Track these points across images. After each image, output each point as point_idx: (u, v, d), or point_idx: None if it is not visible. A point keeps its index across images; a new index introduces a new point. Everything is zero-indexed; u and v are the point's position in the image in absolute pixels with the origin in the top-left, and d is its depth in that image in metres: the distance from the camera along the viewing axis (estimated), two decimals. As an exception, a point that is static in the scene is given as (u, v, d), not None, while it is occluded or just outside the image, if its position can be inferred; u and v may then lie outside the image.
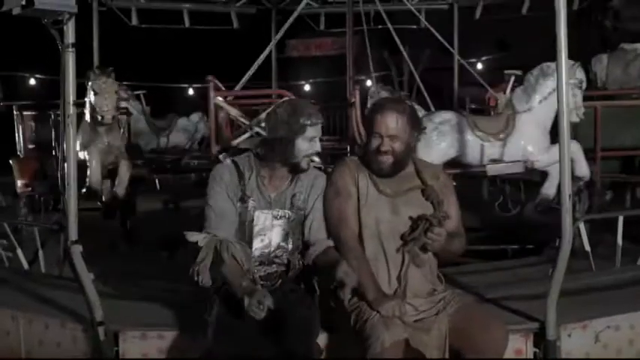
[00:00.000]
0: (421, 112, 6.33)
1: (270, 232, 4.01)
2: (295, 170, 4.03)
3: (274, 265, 4.02)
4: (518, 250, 6.71)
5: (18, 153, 9.13)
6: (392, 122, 3.90)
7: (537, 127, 6.56)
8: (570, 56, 4.10)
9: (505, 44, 21.24)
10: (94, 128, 6.95)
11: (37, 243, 5.96)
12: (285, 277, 4.03)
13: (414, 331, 3.65)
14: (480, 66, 14.90)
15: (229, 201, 3.96)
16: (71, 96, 4.11)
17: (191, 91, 17.79)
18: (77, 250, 4.15)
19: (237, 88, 7.63)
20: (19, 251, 5.97)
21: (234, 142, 6.58)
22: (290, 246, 4.04)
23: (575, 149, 6.10)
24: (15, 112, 9.18)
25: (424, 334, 3.67)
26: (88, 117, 6.91)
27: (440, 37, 8.90)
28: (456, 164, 6.64)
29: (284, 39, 12.23)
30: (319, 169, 4.35)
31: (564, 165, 4.07)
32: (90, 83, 6.63)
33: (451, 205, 4.00)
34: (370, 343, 3.53)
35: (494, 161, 6.61)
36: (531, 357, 4.26)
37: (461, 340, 3.70)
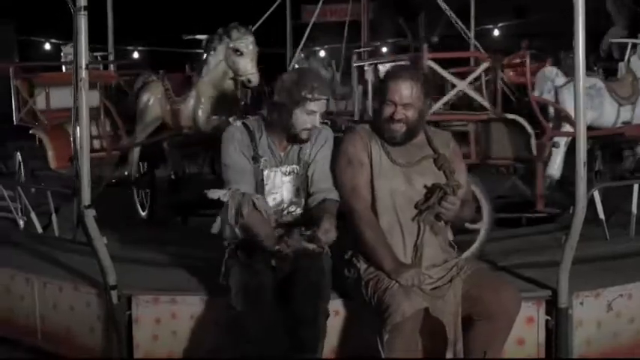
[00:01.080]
0: (563, 79, 6.29)
1: (280, 189, 4.04)
2: (294, 140, 4.03)
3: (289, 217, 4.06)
4: (532, 217, 6.68)
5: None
6: (406, 90, 3.84)
7: None
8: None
9: (522, 11, 21.06)
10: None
11: (50, 207, 5.99)
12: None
13: (432, 300, 3.65)
14: (496, 32, 14.78)
15: (245, 158, 3.99)
16: (84, 60, 4.09)
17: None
18: (90, 215, 4.15)
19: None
20: (33, 215, 6.01)
21: None
22: (302, 200, 4.09)
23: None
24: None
25: (440, 301, 3.68)
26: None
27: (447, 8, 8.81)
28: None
29: (299, 4, 12.16)
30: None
31: (580, 132, 4.02)
32: (232, 43, 6.06)
33: (461, 172, 3.98)
34: (390, 313, 3.51)
35: (625, 124, 6.66)
36: (543, 324, 4.25)
37: (473, 305, 3.71)
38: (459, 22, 9.19)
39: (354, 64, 7.65)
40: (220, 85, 6.26)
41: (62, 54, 10.78)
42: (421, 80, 3.90)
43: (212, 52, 6.21)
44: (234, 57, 6.07)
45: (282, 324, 3.71)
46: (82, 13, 4.04)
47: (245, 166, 3.98)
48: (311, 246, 3.80)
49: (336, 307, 4.12)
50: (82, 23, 4.06)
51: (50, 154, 7.14)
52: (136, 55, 18.29)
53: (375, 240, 3.80)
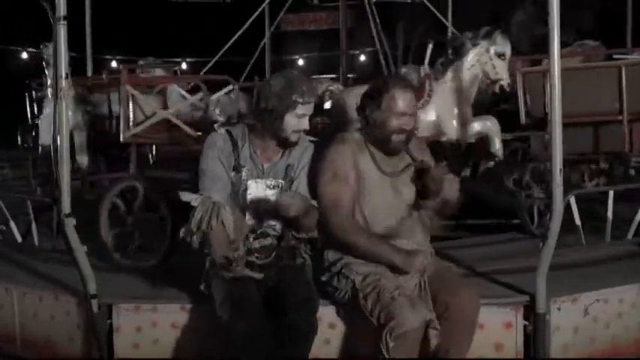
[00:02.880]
0: None
1: (263, 202, 4.02)
2: (284, 144, 4.04)
3: (269, 238, 4.03)
4: (509, 224, 6.73)
5: None
6: (411, 100, 3.90)
7: None
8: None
9: (499, 18, 21.18)
10: None
11: (30, 216, 5.96)
12: (280, 250, 4.05)
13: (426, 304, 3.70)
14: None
15: (222, 166, 4.00)
16: (64, 69, 4.09)
17: (184, 66, 17.73)
18: (70, 223, 4.15)
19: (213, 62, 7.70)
20: (12, 224, 5.98)
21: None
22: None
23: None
24: None
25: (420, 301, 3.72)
26: None
27: (434, 10, 8.87)
28: None
29: (278, 13, 12.17)
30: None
31: (555, 139, 4.07)
32: (496, 47, 5.90)
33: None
34: (397, 323, 3.52)
35: None
36: (521, 329, 4.29)
37: (434, 306, 3.74)
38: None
39: None
40: (468, 90, 6.09)
41: (44, 56, 10.73)
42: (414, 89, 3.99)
43: (461, 56, 6.08)
44: (496, 61, 5.96)
45: (270, 336, 3.69)
46: (62, 22, 4.04)
47: (221, 174, 3.99)
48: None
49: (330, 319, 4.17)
50: (62, 33, 4.05)
51: None
52: (114, 64, 18.28)
53: (369, 243, 3.83)
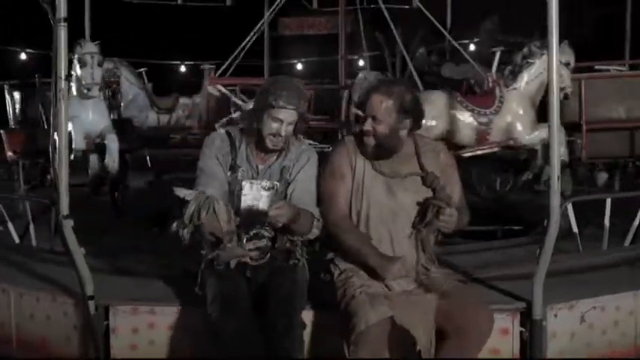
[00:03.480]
0: None
1: (258, 202, 4.02)
2: (263, 146, 4.04)
3: (264, 240, 4.04)
4: (506, 231, 6.76)
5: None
6: (376, 104, 3.88)
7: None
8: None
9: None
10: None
11: (28, 217, 5.96)
12: (274, 252, 4.06)
13: (401, 310, 3.68)
14: (472, 47, 14.88)
15: (219, 165, 4.04)
16: (63, 70, 4.10)
17: (183, 68, 17.73)
18: (68, 225, 4.15)
19: (222, 68, 7.73)
20: (10, 225, 5.98)
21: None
22: None
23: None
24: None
25: (412, 312, 3.71)
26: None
27: (431, 17, 8.89)
28: None
29: (277, 17, 12.19)
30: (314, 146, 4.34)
31: (553, 145, 4.08)
32: (563, 57, 6.14)
33: (454, 183, 4.01)
34: (355, 322, 3.55)
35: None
36: (518, 336, 4.29)
37: (446, 320, 3.73)
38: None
39: None
40: (535, 96, 6.29)
41: (77, 55, 10.81)
42: (395, 96, 3.88)
43: (530, 64, 6.23)
44: (562, 69, 6.12)
45: (259, 334, 3.72)
46: (62, 24, 4.05)
47: (216, 171, 4.03)
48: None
49: (312, 317, 4.16)
50: (62, 34, 4.06)
51: None
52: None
53: (355, 241, 3.85)
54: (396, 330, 3.67)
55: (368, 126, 3.89)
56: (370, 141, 3.91)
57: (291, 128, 4.01)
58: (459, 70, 9.55)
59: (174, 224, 3.83)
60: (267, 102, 3.94)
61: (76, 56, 6.87)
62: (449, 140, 6.39)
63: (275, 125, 3.96)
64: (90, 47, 6.98)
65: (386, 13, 8.95)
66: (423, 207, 3.83)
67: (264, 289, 3.91)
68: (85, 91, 6.95)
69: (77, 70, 6.90)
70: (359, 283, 3.78)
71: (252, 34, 8.13)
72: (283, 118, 3.96)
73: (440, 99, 6.57)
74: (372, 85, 4.10)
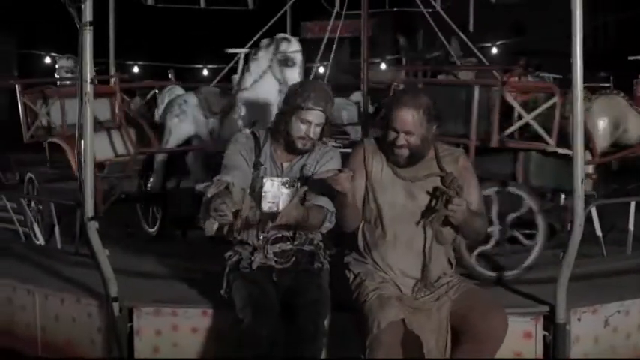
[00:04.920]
0: None
1: (278, 200, 4.01)
2: (292, 150, 4.06)
3: (288, 243, 4.06)
4: (530, 234, 6.71)
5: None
6: (408, 117, 3.83)
7: None
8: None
9: (521, 28, 21.14)
10: None
11: (53, 219, 6.02)
12: (299, 255, 4.07)
13: (412, 313, 3.69)
14: (494, 50, 14.86)
15: (241, 157, 4.05)
16: (89, 74, 4.14)
17: (205, 72, 17.81)
18: (93, 227, 4.19)
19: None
20: (36, 227, 6.04)
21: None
22: None
23: None
24: None
25: (423, 316, 3.72)
26: None
27: (450, 22, 8.88)
28: None
29: (299, 21, 12.22)
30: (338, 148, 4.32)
31: (577, 151, 4.07)
32: None
33: (472, 187, 3.98)
34: (369, 325, 3.58)
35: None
36: (541, 339, 4.28)
37: (460, 324, 3.73)
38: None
39: None
40: None
41: (57, 66, 10.71)
42: (423, 106, 3.87)
43: None
44: None
45: (284, 339, 3.75)
46: (88, 28, 4.09)
47: (239, 163, 4.03)
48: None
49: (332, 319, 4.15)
50: (88, 38, 4.11)
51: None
52: (136, 69, 18.41)
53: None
54: (408, 333, 3.67)
55: (402, 141, 3.85)
56: (404, 152, 3.87)
57: (319, 130, 4.03)
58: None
59: (199, 218, 3.84)
60: (295, 103, 3.97)
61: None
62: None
63: (303, 127, 3.98)
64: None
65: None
66: (433, 196, 3.84)
67: (291, 293, 3.92)
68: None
69: None
70: (372, 287, 3.79)
71: (256, 36, 8.12)
72: (311, 120, 3.98)
73: (620, 103, 6.47)
74: (396, 98, 3.99)
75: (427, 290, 3.86)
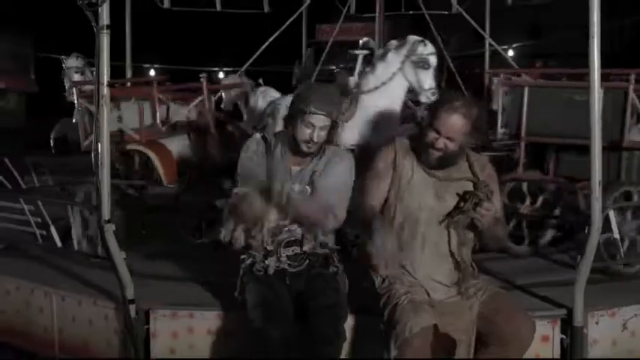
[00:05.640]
0: None
1: (287, 206, 3.99)
2: (299, 151, 4.05)
3: (303, 247, 4.06)
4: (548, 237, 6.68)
5: None
6: (456, 124, 3.80)
7: None
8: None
9: (537, 31, 21.10)
10: None
11: (70, 221, 6.03)
12: (313, 259, 4.07)
13: (443, 316, 3.67)
14: (510, 53, 14.80)
15: (254, 162, 4.07)
16: (106, 77, 4.15)
17: (221, 75, 17.85)
18: (110, 229, 4.21)
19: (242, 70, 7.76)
20: (53, 229, 6.06)
21: None
22: None
23: None
24: None
25: (452, 318, 3.71)
26: None
27: (472, 22, 8.84)
28: None
29: (315, 24, 12.24)
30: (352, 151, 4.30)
31: (594, 153, 4.05)
32: None
33: (495, 195, 3.96)
34: (399, 329, 3.56)
35: None
36: (558, 343, 4.26)
37: (487, 328, 3.73)
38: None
39: None
40: None
41: (65, 67, 10.53)
42: (474, 118, 3.84)
43: None
44: None
45: (299, 342, 3.74)
46: (105, 31, 4.11)
47: (253, 171, 4.04)
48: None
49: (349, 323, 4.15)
50: (105, 41, 4.12)
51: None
52: (152, 72, 18.47)
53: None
54: (437, 338, 3.65)
55: (441, 144, 3.82)
56: (437, 155, 3.86)
57: (323, 134, 4.01)
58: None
59: (225, 234, 3.89)
60: (299, 108, 3.97)
61: None
62: None
63: (308, 131, 3.97)
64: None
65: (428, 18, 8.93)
66: (463, 197, 3.81)
67: (308, 296, 3.93)
68: None
69: None
70: (403, 291, 3.77)
71: (270, 38, 8.12)
72: (315, 123, 3.96)
73: None
74: (449, 101, 3.90)
75: (459, 293, 3.85)
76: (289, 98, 6.28)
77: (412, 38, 5.92)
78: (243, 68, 8.27)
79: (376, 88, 5.91)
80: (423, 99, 5.77)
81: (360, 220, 3.95)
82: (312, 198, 4.01)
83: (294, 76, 12.92)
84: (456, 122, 3.79)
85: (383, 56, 5.98)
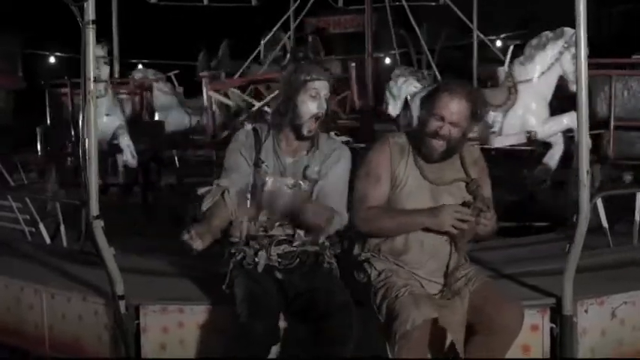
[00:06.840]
0: None
1: (279, 200, 4.02)
2: (300, 135, 4.01)
3: (293, 244, 4.04)
4: (536, 226, 6.71)
5: None
6: (460, 108, 3.75)
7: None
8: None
9: (525, 21, 21.08)
10: None
11: (58, 218, 6.02)
12: (304, 256, 4.06)
13: (442, 311, 3.67)
14: (499, 43, 14.79)
15: (242, 158, 4.03)
16: (92, 73, 4.13)
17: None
18: (99, 225, 4.20)
19: (238, 74, 7.78)
20: (41, 226, 6.04)
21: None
22: None
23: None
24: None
25: (449, 312, 3.71)
26: None
27: (459, 13, 8.86)
28: None
29: (303, 17, 12.20)
30: (347, 143, 4.28)
31: (582, 140, 4.06)
32: None
33: (486, 187, 3.95)
34: (400, 322, 3.52)
35: (493, 132, 6.62)
36: (548, 332, 4.27)
37: (476, 317, 3.74)
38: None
39: None
40: None
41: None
42: (475, 101, 3.80)
43: None
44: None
45: (298, 341, 3.79)
46: (91, 26, 4.09)
47: (238, 165, 4.02)
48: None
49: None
50: (90, 37, 4.10)
51: None
52: (140, 67, 18.36)
53: (393, 218, 3.82)
54: (436, 329, 3.67)
55: (445, 130, 3.76)
56: (442, 145, 3.80)
57: (325, 106, 3.95)
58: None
59: (185, 231, 3.74)
60: (300, 81, 3.92)
61: None
62: None
63: (314, 104, 3.93)
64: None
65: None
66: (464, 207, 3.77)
67: (310, 297, 3.88)
68: None
69: None
70: (401, 283, 3.72)
71: (268, 36, 8.13)
72: (319, 88, 3.92)
73: None
74: (449, 86, 3.86)
75: (450, 292, 3.85)
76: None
77: (569, 30, 6.12)
78: (246, 64, 8.32)
79: (537, 77, 6.34)
80: (574, 88, 5.90)
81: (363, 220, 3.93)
82: (315, 204, 3.97)
83: (199, 66, 13.01)
84: (459, 105, 3.74)
85: (542, 46, 6.21)
